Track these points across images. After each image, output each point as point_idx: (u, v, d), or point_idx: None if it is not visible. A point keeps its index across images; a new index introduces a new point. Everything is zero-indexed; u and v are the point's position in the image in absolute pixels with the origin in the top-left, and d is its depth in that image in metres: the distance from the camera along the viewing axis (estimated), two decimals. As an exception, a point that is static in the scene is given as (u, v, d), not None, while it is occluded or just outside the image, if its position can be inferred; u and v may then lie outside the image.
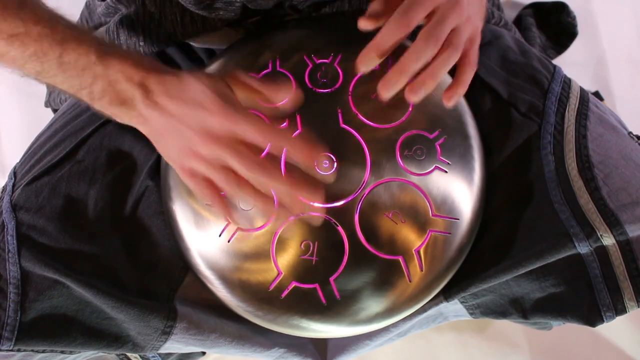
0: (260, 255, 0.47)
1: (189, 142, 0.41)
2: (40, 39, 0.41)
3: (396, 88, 0.44)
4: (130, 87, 0.42)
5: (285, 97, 0.46)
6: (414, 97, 0.44)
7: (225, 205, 0.44)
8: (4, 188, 0.51)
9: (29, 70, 0.42)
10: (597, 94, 0.86)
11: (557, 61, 0.88)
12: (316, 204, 0.47)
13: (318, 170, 0.48)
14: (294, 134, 0.48)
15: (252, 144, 0.41)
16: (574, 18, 0.85)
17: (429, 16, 0.44)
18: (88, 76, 0.42)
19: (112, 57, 0.41)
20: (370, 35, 0.51)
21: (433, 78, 0.43)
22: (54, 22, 0.41)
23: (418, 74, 0.44)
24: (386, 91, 0.44)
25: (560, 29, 0.85)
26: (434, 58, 0.43)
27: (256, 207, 0.42)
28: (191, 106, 0.41)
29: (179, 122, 0.41)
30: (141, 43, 0.53)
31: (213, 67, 0.51)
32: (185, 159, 0.43)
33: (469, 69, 0.46)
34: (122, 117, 0.44)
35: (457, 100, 0.46)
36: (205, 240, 0.48)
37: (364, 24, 0.45)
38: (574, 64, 0.91)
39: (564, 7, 0.85)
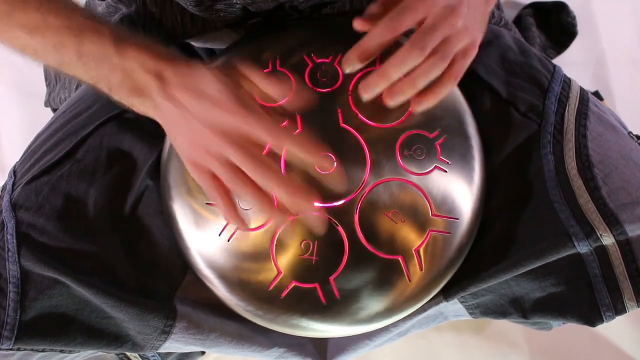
0: (260, 254, 0.47)
1: (200, 137, 0.42)
2: (59, 31, 0.41)
3: (376, 91, 0.44)
4: (146, 77, 0.42)
5: (285, 94, 0.46)
6: (390, 102, 0.44)
7: (228, 203, 0.43)
8: (4, 187, 0.51)
9: (50, 62, 0.43)
10: (597, 94, 0.86)
11: (557, 61, 0.88)
12: (316, 204, 0.47)
13: (318, 170, 0.48)
14: (294, 134, 0.48)
15: (258, 142, 0.41)
16: (574, 18, 0.85)
17: (421, 23, 0.43)
18: (106, 67, 0.42)
19: (128, 47, 0.42)
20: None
21: (412, 86, 0.43)
22: (72, 13, 0.42)
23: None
24: (366, 94, 0.44)
25: (560, 29, 0.86)
26: (417, 67, 0.42)
27: (256, 206, 0.42)
28: (205, 102, 0.41)
29: (192, 116, 0.41)
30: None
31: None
32: (195, 153, 0.43)
33: (450, 81, 0.44)
34: (140, 107, 0.44)
35: (423, 108, 0.45)
36: (205, 239, 0.48)
37: (359, 25, 0.45)
38: (574, 64, 0.91)
39: (564, 7, 0.85)
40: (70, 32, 0.41)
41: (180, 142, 0.44)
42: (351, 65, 0.45)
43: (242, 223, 0.44)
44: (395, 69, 0.42)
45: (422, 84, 0.43)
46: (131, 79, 0.42)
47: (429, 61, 0.42)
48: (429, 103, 0.45)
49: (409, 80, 0.43)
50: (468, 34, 0.44)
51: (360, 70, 0.49)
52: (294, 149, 0.41)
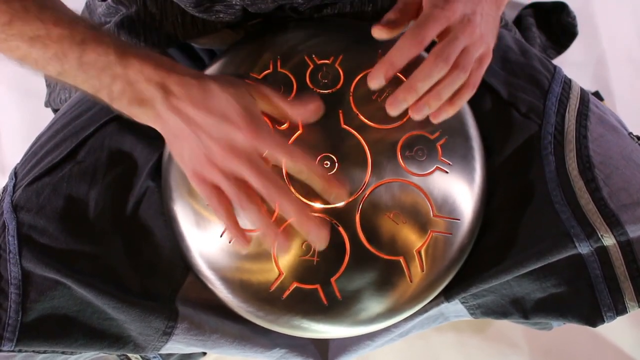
0: (261, 255, 0.47)
1: (208, 151, 0.41)
2: (60, 40, 0.41)
3: (404, 106, 0.44)
4: (149, 88, 0.41)
5: (308, 116, 0.46)
6: (416, 116, 0.45)
7: (231, 216, 0.43)
8: (5, 188, 0.51)
9: (50, 71, 0.43)
10: (597, 94, 0.86)
11: (557, 61, 0.88)
12: (317, 205, 0.47)
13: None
14: (294, 135, 0.48)
15: (265, 158, 0.42)
16: (574, 18, 0.85)
17: (441, 35, 0.44)
18: (107, 76, 0.42)
19: (131, 57, 0.42)
20: (371, 36, 0.51)
21: (437, 99, 0.44)
22: (74, 23, 0.42)
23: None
24: (394, 109, 0.45)
25: (560, 29, 0.86)
26: (441, 79, 0.43)
27: (255, 221, 0.42)
28: (216, 117, 0.41)
29: (200, 130, 0.41)
30: (142, 44, 0.53)
31: (214, 68, 0.51)
32: (200, 165, 0.42)
33: (467, 92, 0.45)
34: (141, 117, 0.43)
35: (442, 119, 0.46)
36: (207, 240, 0.48)
37: (379, 33, 0.45)
38: (574, 64, 0.91)
39: (564, 7, 0.85)
40: (72, 41, 0.41)
41: (183, 154, 0.44)
42: (378, 81, 0.45)
43: (244, 237, 0.43)
44: (422, 82, 0.43)
45: (446, 95, 0.44)
46: (133, 89, 0.42)
47: (452, 73, 0.43)
48: (447, 114, 0.46)
49: (434, 93, 0.44)
50: (483, 41, 0.45)
51: (361, 71, 0.50)
52: (304, 168, 0.42)
